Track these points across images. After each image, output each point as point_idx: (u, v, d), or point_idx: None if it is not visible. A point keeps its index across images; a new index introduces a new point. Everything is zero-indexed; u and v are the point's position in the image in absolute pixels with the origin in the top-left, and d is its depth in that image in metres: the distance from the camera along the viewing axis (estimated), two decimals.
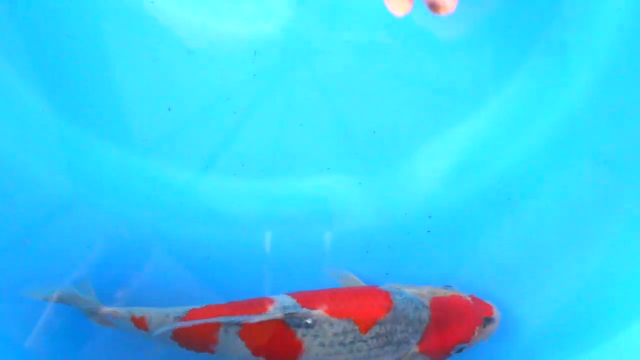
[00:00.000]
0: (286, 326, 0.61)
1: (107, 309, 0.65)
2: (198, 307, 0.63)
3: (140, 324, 0.64)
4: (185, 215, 0.73)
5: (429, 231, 0.72)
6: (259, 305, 0.63)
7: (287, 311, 0.61)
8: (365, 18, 0.71)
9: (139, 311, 0.64)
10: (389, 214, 0.73)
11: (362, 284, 0.68)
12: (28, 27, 0.71)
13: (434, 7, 0.55)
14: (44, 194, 0.70)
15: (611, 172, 0.68)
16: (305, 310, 0.61)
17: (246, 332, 0.61)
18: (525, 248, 0.71)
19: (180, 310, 0.64)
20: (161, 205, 0.73)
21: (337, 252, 0.73)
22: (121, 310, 0.64)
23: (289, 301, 0.63)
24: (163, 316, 0.63)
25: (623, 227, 0.66)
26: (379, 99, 0.72)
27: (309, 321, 0.61)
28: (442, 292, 0.65)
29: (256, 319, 0.61)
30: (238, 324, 0.62)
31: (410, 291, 0.64)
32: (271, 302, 0.63)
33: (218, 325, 0.62)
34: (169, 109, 0.72)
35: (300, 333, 0.61)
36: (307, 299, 0.63)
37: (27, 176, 0.70)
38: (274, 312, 0.61)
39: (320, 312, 0.61)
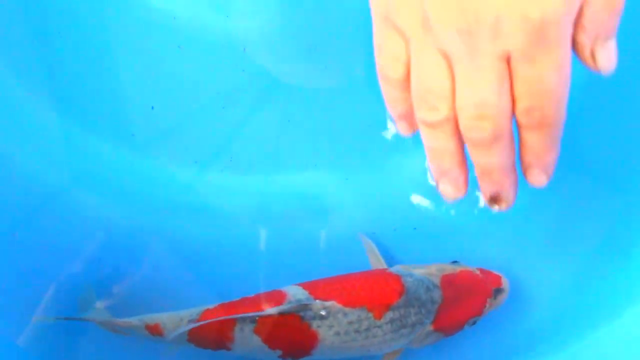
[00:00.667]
0: (300, 319, 0.60)
1: (119, 321, 0.62)
2: (211, 306, 0.62)
3: (154, 330, 0.61)
4: (172, 209, 0.71)
5: (415, 228, 0.73)
6: (271, 299, 0.61)
7: (301, 304, 0.60)
8: (354, 15, 0.71)
9: (150, 318, 0.62)
10: (376, 209, 0.73)
11: (381, 259, 0.68)
12: (17, 20, 0.68)
13: (493, 201, 0.51)
14: (33, 188, 0.68)
15: (598, 159, 0.69)
16: (318, 302, 0.60)
17: (261, 328, 0.60)
18: (511, 248, 0.71)
19: (194, 311, 0.62)
20: (149, 200, 0.71)
21: (324, 246, 0.72)
22: (133, 320, 0.62)
23: (301, 293, 0.62)
24: (177, 320, 0.61)
25: (612, 211, 0.67)
26: (367, 95, 0.73)
27: (323, 312, 0.60)
28: (450, 269, 0.65)
29: (271, 311, 0.60)
30: (252, 321, 0.60)
31: (418, 271, 0.64)
32: (283, 295, 0.62)
33: (233, 323, 0.60)
34: (152, 108, 0.70)
35: (315, 324, 0.60)
36: (318, 289, 0.62)
37: (16, 170, 0.68)
38: (287, 305, 0.60)
39: (333, 303, 0.60)
